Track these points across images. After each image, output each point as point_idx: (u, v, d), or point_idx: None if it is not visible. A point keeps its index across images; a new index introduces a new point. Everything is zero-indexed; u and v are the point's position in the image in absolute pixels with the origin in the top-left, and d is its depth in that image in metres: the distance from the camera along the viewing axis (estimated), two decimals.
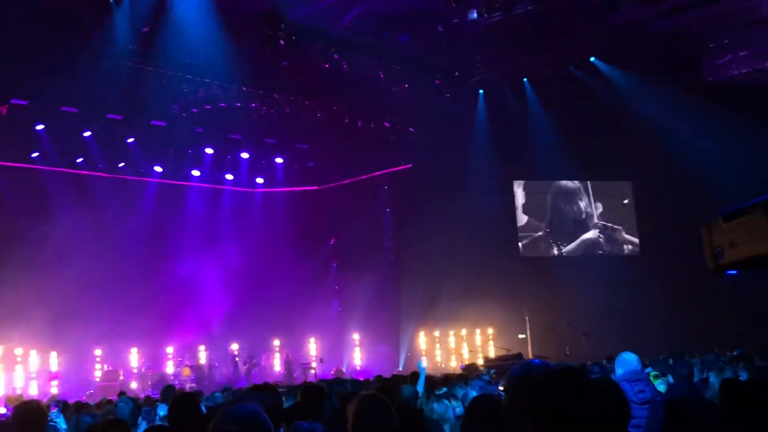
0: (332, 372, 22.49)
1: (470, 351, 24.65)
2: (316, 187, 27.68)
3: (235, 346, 24.04)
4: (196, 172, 24.89)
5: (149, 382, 21.45)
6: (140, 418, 8.42)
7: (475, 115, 24.26)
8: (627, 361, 6.71)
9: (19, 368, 20.37)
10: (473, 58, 22.62)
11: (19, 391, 19.36)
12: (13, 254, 19.10)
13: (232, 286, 23.97)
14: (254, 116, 22.43)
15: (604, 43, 21.46)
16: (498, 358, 19.91)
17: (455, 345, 25.39)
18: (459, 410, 6.64)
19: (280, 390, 5.86)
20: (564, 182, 25.38)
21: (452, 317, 24.50)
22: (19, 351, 20.37)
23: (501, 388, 7.09)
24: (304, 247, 25.88)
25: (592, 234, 25.24)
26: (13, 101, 19.29)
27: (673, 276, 22.13)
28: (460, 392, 7.61)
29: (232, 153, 25.09)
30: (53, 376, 20.63)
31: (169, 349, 23.26)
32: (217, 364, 23.53)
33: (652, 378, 7.80)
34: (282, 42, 19.82)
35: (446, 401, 6.87)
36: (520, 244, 25.00)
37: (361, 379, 15.04)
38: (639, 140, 22.50)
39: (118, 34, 18.10)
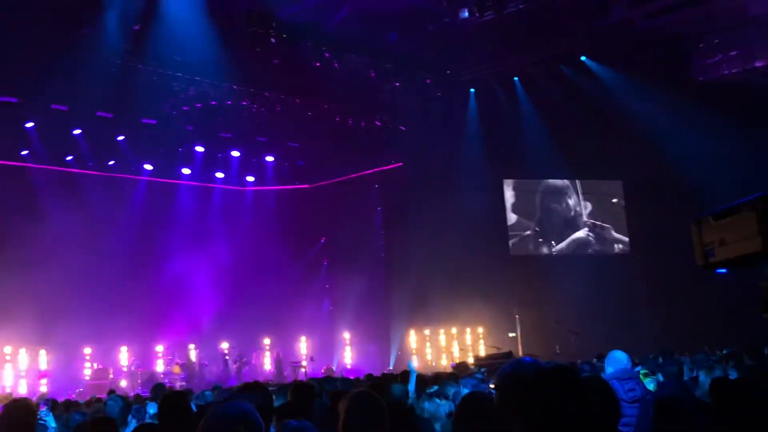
0: (322, 370, 22.47)
1: (461, 350, 24.68)
2: (306, 186, 27.65)
3: (225, 345, 24.03)
4: (186, 171, 24.86)
5: (139, 381, 21.40)
6: (130, 417, 8.40)
7: (465, 114, 24.26)
8: (617, 360, 6.73)
9: (8, 367, 20.31)
10: (464, 56, 22.58)
11: (8, 390, 19.27)
12: (1, 252, 19.06)
13: (222, 284, 23.95)
14: (245, 114, 22.37)
15: (595, 42, 21.46)
16: (488, 357, 19.90)
17: (446, 344, 25.41)
18: (450, 408, 6.65)
19: (270, 389, 5.85)
20: (552, 181, 25.43)
21: (443, 316, 24.50)
22: (8, 349, 20.31)
23: (492, 386, 7.09)
24: (295, 245, 25.90)
25: (582, 233, 25.29)
26: (3, 99, 19.14)
27: (663, 275, 22.20)
28: (450, 391, 7.62)
29: (223, 151, 25.04)
30: (42, 375, 20.58)
31: (159, 348, 23.23)
32: (207, 363, 23.48)
33: (642, 376, 7.83)
34: (273, 40, 19.77)
35: (437, 399, 6.88)
36: (510, 243, 25.04)
37: (352, 377, 15.04)
38: (629, 139, 22.56)
39: (108, 32, 17.98)
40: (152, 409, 8.41)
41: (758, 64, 20.68)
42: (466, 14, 20.03)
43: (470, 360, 20.53)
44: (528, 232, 25.28)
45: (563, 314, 21.96)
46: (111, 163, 23.26)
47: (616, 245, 25.39)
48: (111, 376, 21.28)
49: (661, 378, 8.22)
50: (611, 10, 19.91)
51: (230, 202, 26.18)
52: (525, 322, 22.59)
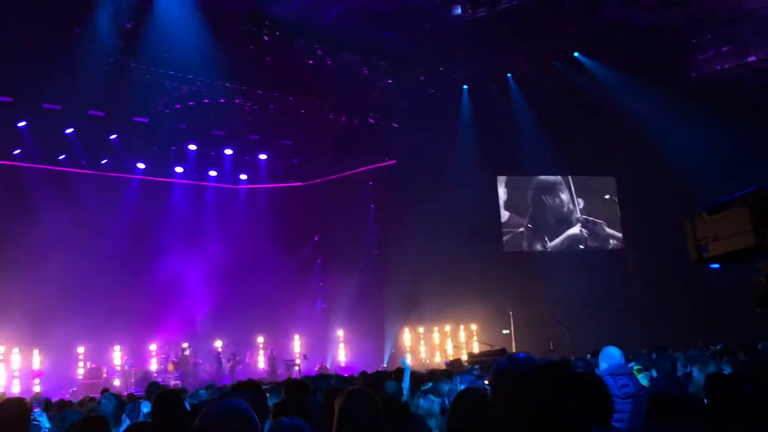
0: (316, 368, 22.46)
1: (454, 347, 24.67)
2: (300, 184, 27.61)
3: (218, 343, 23.99)
4: (179, 169, 24.81)
5: (132, 380, 21.38)
6: (124, 416, 8.38)
7: (459, 111, 24.29)
8: (610, 356, 6.72)
9: (1, 366, 20.25)
10: (457, 53, 22.56)
11: (1, 390, 19.19)
12: None
13: (215, 283, 23.90)
14: (238, 112, 22.38)
15: (588, 39, 21.51)
16: (482, 354, 19.93)
17: (439, 341, 25.42)
18: (444, 405, 6.66)
19: (264, 387, 5.84)
20: (545, 177, 25.44)
21: (436, 313, 24.50)
22: (1, 349, 20.25)
23: (486, 382, 7.10)
24: (288, 243, 25.86)
25: (575, 229, 25.31)
26: None
27: (656, 270, 22.26)
28: (444, 387, 7.62)
29: (216, 149, 25.00)
30: (36, 375, 20.52)
31: (153, 347, 23.18)
32: (200, 362, 23.44)
33: (635, 372, 7.83)
34: (266, 38, 19.75)
35: (431, 396, 6.89)
36: (503, 239, 25.04)
37: (346, 375, 15.04)
38: (622, 136, 22.62)
39: (101, 30, 17.96)
40: (146, 407, 8.39)
41: (751, 59, 20.70)
42: (459, 11, 20.00)
43: (464, 357, 20.55)
44: (521, 229, 25.29)
45: (557, 311, 21.97)
46: (104, 161, 23.21)
47: (610, 241, 25.43)
48: (104, 375, 21.25)
49: (654, 374, 8.22)
50: (604, 6, 19.92)
51: (223, 201, 26.15)
52: (518, 318, 22.63)
